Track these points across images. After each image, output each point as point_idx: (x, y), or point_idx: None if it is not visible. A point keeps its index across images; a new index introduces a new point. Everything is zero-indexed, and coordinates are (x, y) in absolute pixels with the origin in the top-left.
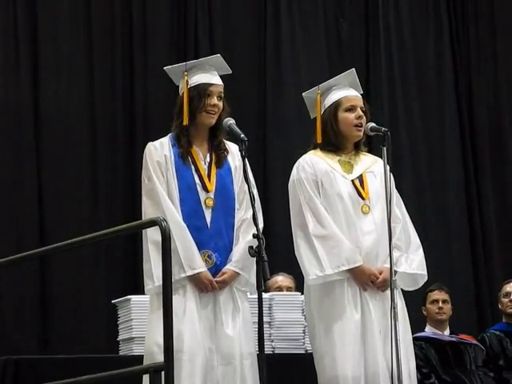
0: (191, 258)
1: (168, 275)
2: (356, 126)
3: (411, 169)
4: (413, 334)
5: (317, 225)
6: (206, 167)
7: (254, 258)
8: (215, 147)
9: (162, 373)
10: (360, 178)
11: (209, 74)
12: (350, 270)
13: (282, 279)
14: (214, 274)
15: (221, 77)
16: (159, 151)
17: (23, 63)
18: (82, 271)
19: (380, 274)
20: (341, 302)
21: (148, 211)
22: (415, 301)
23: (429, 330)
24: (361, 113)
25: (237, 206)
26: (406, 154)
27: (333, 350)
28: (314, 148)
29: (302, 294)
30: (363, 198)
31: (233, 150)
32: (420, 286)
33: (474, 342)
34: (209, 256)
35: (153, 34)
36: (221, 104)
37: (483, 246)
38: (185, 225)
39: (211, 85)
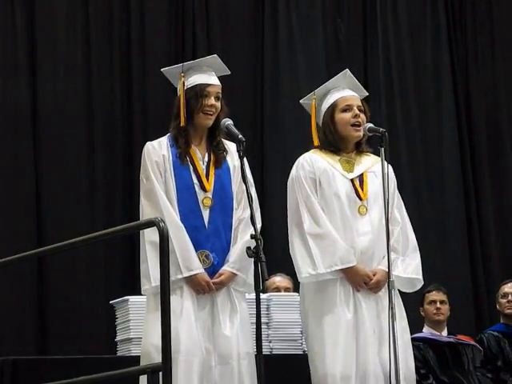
0: (188, 259)
1: (166, 276)
2: (353, 125)
3: (409, 169)
4: (411, 335)
5: (312, 223)
6: (204, 167)
7: (252, 259)
8: (214, 147)
9: (160, 373)
10: (360, 177)
11: (206, 74)
12: (343, 270)
13: (279, 280)
14: (212, 274)
15: (219, 77)
16: (157, 151)
17: (21, 63)
18: (80, 272)
19: (374, 275)
20: (333, 302)
21: (146, 211)
22: (413, 301)
23: (427, 331)
24: (357, 111)
25: (235, 205)
26: (403, 154)
27: (323, 348)
28: (317, 147)
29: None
30: (361, 199)
31: (232, 150)
32: (417, 288)
33: (472, 342)
34: (206, 256)
35: (150, 35)
36: (218, 104)
37: (481, 247)
38: (182, 225)
39: (208, 85)
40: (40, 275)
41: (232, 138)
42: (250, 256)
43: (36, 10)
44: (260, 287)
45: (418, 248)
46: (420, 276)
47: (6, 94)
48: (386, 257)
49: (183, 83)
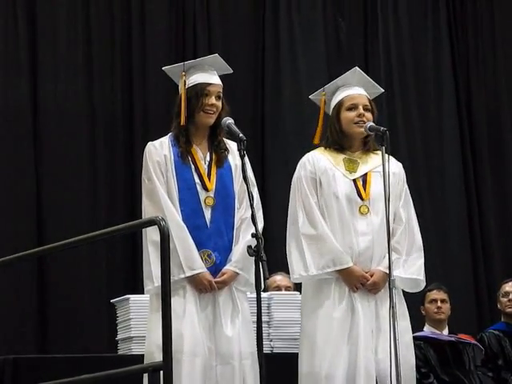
0: (190, 259)
1: (166, 274)
2: (357, 123)
3: (409, 168)
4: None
5: (307, 224)
6: (205, 166)
7: (253, 258)
8: (215, 146)
9: (161, 372)
10: (364, 177)
11: (207, 73)
12: (338, 271)
13: (280, 278)
14: (214, 274)
15: (221, 76)
16: (159, 151)
17: (22, 63)
18: (81, 270)
19: (371, 276)
20: (326, 301)
21: (148, 211)
22: (414, 300)
23: (427, 330)
24: (362, 111)
25: (237, 205)
26: (404, 154)
27: (312, 346)
28: (323, 146)
29: (301, 293)
30: (362, 199)
31: (233, 149)
32: (421, 289)
33: (473, 341)
34: (208, 255)
35: (151, 35)
36: (219, 103)
37: (482, 246)
38: (184, 225)
39: (209, 84)
40: (41, 274)
41: (233, 136)
42: (250, 255)
43: (37, 11)
44: (261, 286)
45: (422, 248)
46: (421, 277)
47: (7, 94)
48: (387, 257)
49: (184, 82)
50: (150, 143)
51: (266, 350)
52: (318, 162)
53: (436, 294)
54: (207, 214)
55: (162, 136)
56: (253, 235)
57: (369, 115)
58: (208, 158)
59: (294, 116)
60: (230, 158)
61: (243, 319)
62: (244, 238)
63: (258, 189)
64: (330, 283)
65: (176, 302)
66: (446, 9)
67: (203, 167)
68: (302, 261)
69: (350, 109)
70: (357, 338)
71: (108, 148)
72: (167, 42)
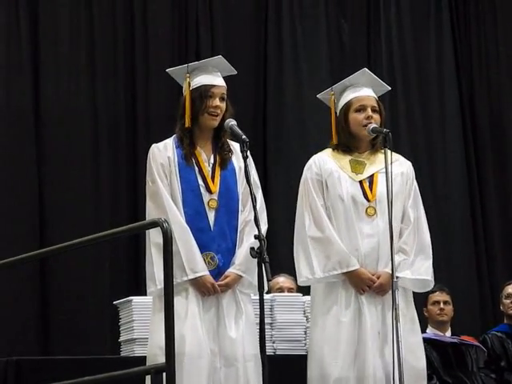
0: (193, 261)
1: (169, 276)
2: (365, 125)
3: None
4: None
5: (314, 227)
6: (209, 169)
7: (256, 259)
8: (219, 148)
9: (164, 374)
10: (370, 178)
11: (211, 75)
12: (345, 274)
13: (283, 280)
14: (217, 276)
15: (224, 78)
16: (163, 153)
17: (25, 64)
18: (84, 272)
19: (378, 278)
20: (334, 304)
21: (152, 214)
22: (416, 302)
23: (430, 332)
24: (370, 113)
25: (240, 207)
26: (406, 155)
27: (321, 350)
28: (331, 147)
29: (304, 295)
30: (369, 200)
31: (237, 151)
32: (429, 289)
33: (476, 343)
34: (212, 258)
35: (154, 36)
36: (223, 105)
37: (486, 247)
38: (187, 227)
39: (213, 86)
40: (44, 276)
41: (236, 138)
42: (253, 256)
43: (40, 11)
44: (263, 288)
45: (430, 247)
46: (430, 277)
47: (9, 95)
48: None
49: (188, 84)
50: (154, 145)
51: (268, 351)
52: (323, 164)
53: (439, 296)
54: (211, 216)
55: (165, 136)
56: (255, 237)
57: (377, 117)
58: (212, 160)
59: (296, 117)
60: (234, 159)
61: (247, 321)
62: (247, 240)
63: (261, 191)
64: (337, 286)
65: (178, 303)
66: (449, 9)
67: (207, 169)
68: (309, 264)
69: (358, 110)
70: (364, 341)
71: (111, 149)
72: (170, 43)
